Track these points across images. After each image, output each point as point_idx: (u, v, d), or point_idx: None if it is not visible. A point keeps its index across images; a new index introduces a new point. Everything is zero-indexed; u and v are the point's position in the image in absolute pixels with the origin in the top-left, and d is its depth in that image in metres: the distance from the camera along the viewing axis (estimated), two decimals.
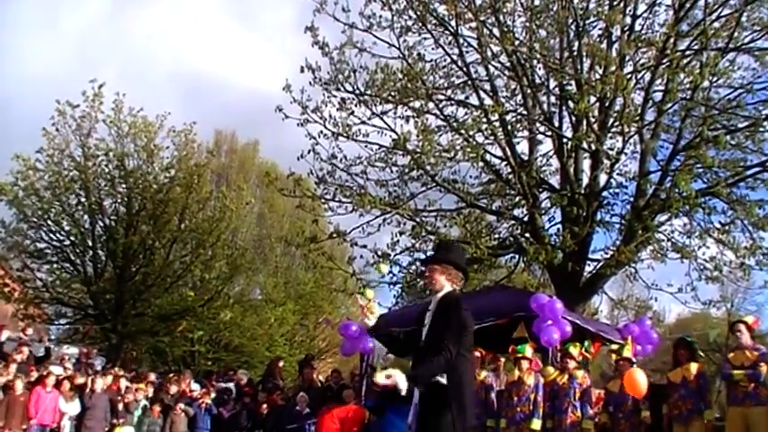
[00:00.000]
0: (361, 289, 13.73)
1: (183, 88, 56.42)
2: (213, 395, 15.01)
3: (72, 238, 21.44)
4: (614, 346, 12.40)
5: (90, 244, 21.55)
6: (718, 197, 15.35)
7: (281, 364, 17.58)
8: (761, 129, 15.24)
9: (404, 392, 5.06)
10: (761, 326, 10.45)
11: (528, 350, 11.11)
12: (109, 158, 21.39)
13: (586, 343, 12.58)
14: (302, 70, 16.56)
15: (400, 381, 5.05)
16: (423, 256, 17.31)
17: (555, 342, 11.39)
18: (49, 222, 21.18)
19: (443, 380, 5.19)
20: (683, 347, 10.25)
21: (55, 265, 21.89)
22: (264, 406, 14.31)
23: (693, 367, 9.90)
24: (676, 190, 14.73)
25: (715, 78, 15.47)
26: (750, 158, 15.72)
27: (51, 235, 21.41)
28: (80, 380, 13.76)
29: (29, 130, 22.07)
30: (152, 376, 15.57)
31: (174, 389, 14.76)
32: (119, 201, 21.74)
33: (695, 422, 9.65)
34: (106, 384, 13.87)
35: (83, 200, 21.22)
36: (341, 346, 14.75)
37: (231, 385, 15.90)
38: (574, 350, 10.92)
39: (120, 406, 13.63)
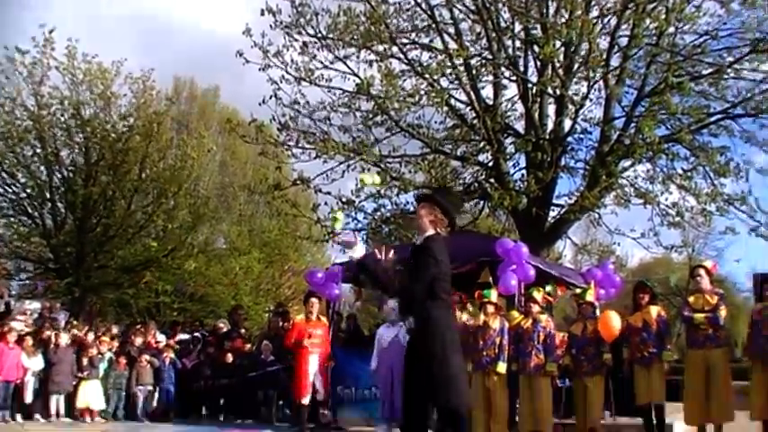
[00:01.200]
0: (334, 213, 13.51)
1: (139, 33, 55.05)
2: (176, 347, 14.94)
3: (29, 191, 21.03)
4: (577, 291, 12.51)
5: (48, 196, 21.14)
6: (681, 143, 15.51)
7: (240, 311, 17.51)
8: (725, 76, 15.33)
9: (356, 255, 5.18)
10: (719, 270, 10.56)
11: (493, 294, 11.15)
12: (64, 107, 20.82)
13: (549, 287, 12.64)
14: (262, 13, 16.23)
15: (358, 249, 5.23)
16: (387, 202, 17.39)
17: (513, 289, 11.43)
18: (4, 175, 20.72)
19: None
20: (643, 291, 10.35)
21: (12, 219, 21.54)
22: (229, 355, 14.29)
23: (654, 310, 10.01)
24: (640, 136, 14.82)
25: (681, 24, 15.53)
26: (713, 106, 15.88)
27: (6, 188, 20.98)
28: (45, 334, 13.58)
29: None
30: (114, 329, 15.40)
31: (139, 341, 14.66)
32: (76, 151, 21.28)
33: (656, 365, 9.79)
34: (71, 339, 13.73)
35: (38, 150, 20.71)
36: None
37: (187, 336, 15.83)
38: (537, 294, 10.97)
39: (86, 360, 13.51)
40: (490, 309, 10.88)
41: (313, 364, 11.44)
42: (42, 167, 20.95)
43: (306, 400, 11.51)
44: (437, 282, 5.15)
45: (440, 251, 5.20)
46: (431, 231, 5.33)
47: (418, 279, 5.12)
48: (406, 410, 5.26)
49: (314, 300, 12.13)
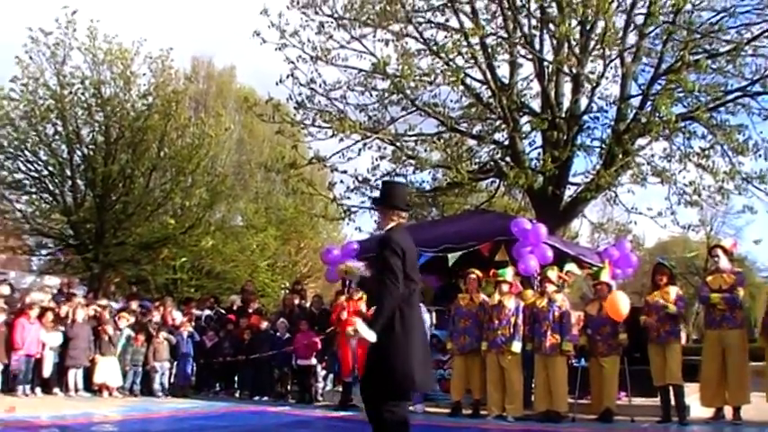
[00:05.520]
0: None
1: (158, 13, 55.10)
2: (193, 323, 15.15)
3: (50, 169, 21.20)
4: (593, 270, 12.55)
5: (68, 174, 21.31)
6: (699, 122, 15.40)
7: (249, 289, 17.66)
8: (742, 53, 15.15)
9: (373, 340, 5.23)
10: (738, 249, 10.55)
11: (509, 274, 11.21)
12: (85, 86, 20.97)
13: (568, 266, 12.69)
14: None
15: (363, 331, 5.29)
16: (403, 181, 17.44)
17: (532, 270, 11.50)
18: (26, 153, 20.88)
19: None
20: (661, 272, 10.37)
21: (33, 196, 21.71)
22: (247, 332, 14.46)
23: (672, 291, 10.04)
24: (657, 114, 14.71)
25: (697, 1, 15.39)
26: (731, 83, 15.69)
27: (29, 165, 21.13)
28: (64, 310, 13.76)
29: (1, 59, 21.59)
30: (134, 305, 15.58)
31: (156, 316, 14.84)
32: (96, 129, 21.41)
33: (672, 344, 9.82)
34: (88, 315, 13.91)
35: (60, 129, 20.88)
36: (325, 273, 14.87)
37: (210, 313, 16.00)
38: (552, 273, 11.01)
39: (106, 338, 13.69)
40: (505, 288, 10.97)
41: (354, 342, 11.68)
42: (63, 146, 21.10)
43: (349, 378, 11.77)
44: (391, 272, 5.37)
45: (400, 240, 5.50)
46: (390, 224, 5.69)
47: (384, 269, 5.37)
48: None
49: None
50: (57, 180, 21.42)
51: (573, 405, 10.36)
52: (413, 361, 5.28)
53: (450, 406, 11.18)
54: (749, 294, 11.55)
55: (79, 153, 21.26)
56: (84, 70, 20.99)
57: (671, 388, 9.75)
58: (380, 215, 5.89)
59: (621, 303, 10.11)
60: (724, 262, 9.86)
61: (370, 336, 5.18)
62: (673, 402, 9.76)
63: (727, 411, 9.62)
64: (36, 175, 21.31)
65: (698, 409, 10.05)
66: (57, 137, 21.02)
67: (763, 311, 10.13)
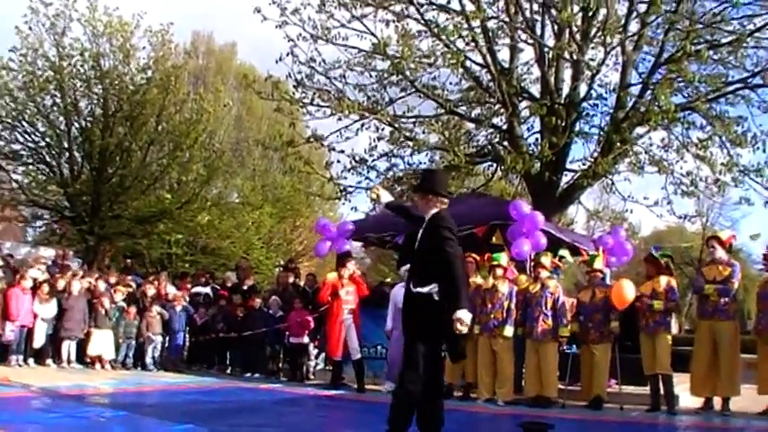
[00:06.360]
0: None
1: None
2: (187, 298, 15.17)
3: (47, 140, 21.16)
4: (586, 257, 12.58)
5: (66, 145, 21.27)
6: (698, 112, 15.40)
7: (243, 265, 17.71)
8: (744, 44, 15.12)
9: (383, 203, 6.70)
10: (735, 242, 10.57)
11: (503, 258, 11.23)
12: (84, 58, 20.90)
13: (560, 252, 12.74)
14: None
15: (383, 196, 6.83)
16: (400, 162, 17.49)
17: (525, 255, 11.54)
18: (24, 123, 20.82)
19: (424, 290, 5.95)
20: (650, 262, 10.44)
21: (30, 167, 21.66)
22: (240, 309, 14.50)
23: (663, 281, 10.08)
24: (656, 103, 14.70)
25: None
26: (731, 74, 15.69)
27: (26, 136, 21.08)
28: (61, 283, 13.75)
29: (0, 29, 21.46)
30: (129, 278, 15.60)
31: (151, 291, 14.85)
32: (95, 102, 21.36)
33: (662, 334, 9.88)
34: (84, 287, 13.93)
35: (58, 101, 20.81)
36: (315, 247, 14.90)
37: (208, 290, 16.02)
38: (545, 259, 11.04)
39: (102, 311, 13.72)
40: (499, 272, 11.00)
41: (347, 321, 11.79)
42: (61, 117, 21.03)
43: (339, 357, 11.82)
44: (454, 247, 5.95)
45: (450, 222, 6.05)
46: (434, 210, 6.14)
47: (444, 246, 5.89)
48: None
49: (352, 261, 12.60)
50: (54, 152, 21.39)
51: (563, 391, 10.41)
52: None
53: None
54: (743, 287, 11.54)
55: (77, 125, 21.22)
56: (83, 42, 20.96)
57: (660, 377, 9.81)
58: (421, 201, 6.26)
59: (627, 291, 10.13)
60: (720, 253, 9.88)
61: (462, 309, 5.68)
62: (662, 392, 9.81)
63: (717, 402, 9.68)
64: (33, 147, 21.28)
65: (687, 399, 10.11)
66: (55, 108, 20.96)
67: (755, 304, 10.15)
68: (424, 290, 5.93)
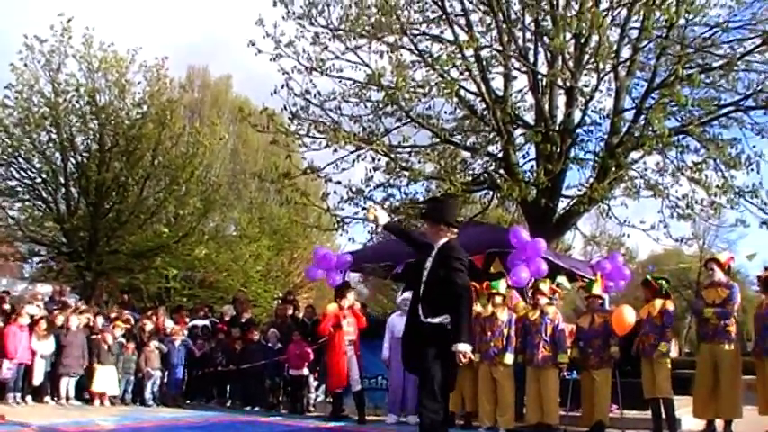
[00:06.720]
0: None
1: (153, 22, 55.14)
2: (186, 331, 15.10)
3: (44, 176, 21.25)
4: (583, 283, 12.57)
5: (62, 181, 21.35)
6: (692, 136, 15.46)
7: (240, 298, 17.68)
8: (735, 68, 15.25)
9: (381, 224, 6.61)
10: (733, 263, 10.57)
11: (501, 285, 11.22)
12: (80, 94, 21.07)
13: (558, 279, 12.71)
14: (275, 4, 16.45)
15: (381, 216, 6.64)
16: (397, 192, 17.48)
17: (524, 282, 11.53)
18: (20, 160, 20.95)
19: (435, 320, 5.98)
20: (645, 286, 10.46)
21: (27, 203, 21.75)
22: (238, 342, 14.44)
23: (658, 303, 10.08)
24: (650, 128, 14.79)
25: (691, 16, 15.42)
26: (724, 98, 15.84)
27: (22, 173, 21.20)
28: (60, 319, 13.67)
29: None
30: (127, 314, 15.54)
31: (149, 325, 14.80)
32: (90, 137, 21.49)
33: (659, 358, 9.85)
34: (82, 323, 13.87)
35: (54, 136, 20.95)
36: (307, 270, 14.85)
37: (206, 322, 15.96)
38: (544, 286, 11.04)
39: (105, 346, 13.64)
40: (498, 300, 10.98)
41: (349, 352, 11.65)
42: (57, 153, 21.16)
43: (339, 389, 11.73)
44: (464, 278, 6.04)
45: (461, 253, 6.15)
46: (444, 240, 6.23)
47: (453, 276, 5.96)
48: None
49: (351, 292, 12.48)
50: (50, 187, 21.45)
51: (564, 417, 10.38)
52: None
53: None
54: (742, 308, 11.53)
55: (73, 161, 21.32)
56: (78, 78, 21.15)
57: (661, 401, 9.77)
58: (431, 229, 6.34)
59: (628, 315, 10.13)
60: (719, 275, 9.89)
61: (464, 343, 5.84)
62: (664, 416, 9.77)
63: (719, 425, 9.63)
64: (29, 183, 21.35)
65: (690, 422, 10.07)
66: (51, 144, 21.08)
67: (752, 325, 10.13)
68: (436, 320, 5.96)
